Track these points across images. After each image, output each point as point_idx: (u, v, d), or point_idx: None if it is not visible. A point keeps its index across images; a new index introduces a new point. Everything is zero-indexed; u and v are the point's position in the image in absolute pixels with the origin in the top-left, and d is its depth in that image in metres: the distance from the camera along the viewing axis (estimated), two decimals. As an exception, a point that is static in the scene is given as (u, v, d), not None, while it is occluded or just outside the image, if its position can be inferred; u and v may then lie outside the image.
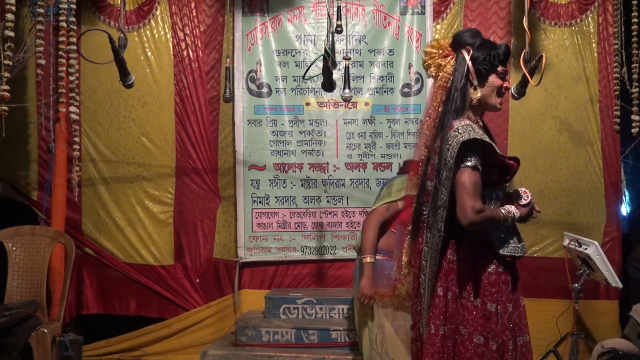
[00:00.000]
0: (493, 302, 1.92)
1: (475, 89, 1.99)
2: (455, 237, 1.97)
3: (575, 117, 4.17)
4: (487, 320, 1.91)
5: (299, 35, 4.24)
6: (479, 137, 1.89)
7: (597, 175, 4.14)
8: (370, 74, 4.23)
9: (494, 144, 1.96)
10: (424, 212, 2.02)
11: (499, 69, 2.00)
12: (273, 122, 4.21)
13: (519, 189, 2.05)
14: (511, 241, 1.99)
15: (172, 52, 4.20)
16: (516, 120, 4.16)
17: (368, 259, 2.84)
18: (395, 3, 4.23)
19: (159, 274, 4.16)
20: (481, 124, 2.04)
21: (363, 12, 4.23)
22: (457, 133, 1.89)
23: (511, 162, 2.01)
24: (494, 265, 1.95)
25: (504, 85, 2.02)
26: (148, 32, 4.18)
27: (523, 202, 2.01)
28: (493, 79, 2.00)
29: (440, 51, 2.02)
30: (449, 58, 2.01)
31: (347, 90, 3.09)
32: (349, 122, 4.23)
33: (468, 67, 1.96)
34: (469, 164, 1.88)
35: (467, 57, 1.97)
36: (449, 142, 1.89)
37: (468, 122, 1.94)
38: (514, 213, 1.97)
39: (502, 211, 1.95)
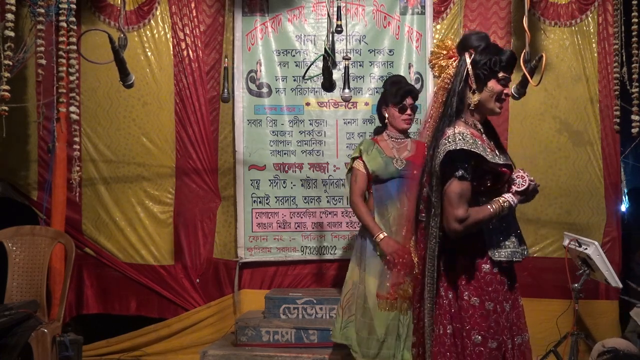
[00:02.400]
0: (491, 301, 1.93)
1: (473, 93, 1.98)
2: (452, 240, 1.97)
3: (575, 117, 4.17)
4: (485, 318, 1.92)
5: (299, 35, 4.24)
6: (467, 147, 1.88)
7: (597, 175, 4.14)
8: (370, 74, 4.23)
9: (485, 153, 1.92)
10: (422, 219, 2.04)
11: (500, 74, 1.97)
12: (273, 122, 4.21)
13: (515, 175, 2.01)
14: (510, 245, 1.98)
15: (172, 52, 4.20)
16: (516, 120, 4.16)
17: (381, 236, 3.02)
18: (395, 3, 4.23)
19: (159, 274, 4.17)
20: (480, 127, 2.03)
21: (363, 12, 4.23)
22: (447, 141, 1.90)
23: (504, 169, 1.99)
24: (489, 265, 1.95)
25: (504, 91, 2.00)
26: (148, 32, 4.18)
27: (520, 188, 1.99)
28: (492, 85, 1.97)
29: (445, 52, 2.02)
30: (452, 60, 2.01)
31: (346, 90, 3.10)
32: (349, 122, 4.23)
33: (467, 71, 1.96)
34: (457, 173, 1.89)
35: (468, 61, 1.96)
36: (439, 150, 1.91)
37: (461, 129, 1.93)
38: (510, 202, 1.96)
39: (494, 206, 1.93)
